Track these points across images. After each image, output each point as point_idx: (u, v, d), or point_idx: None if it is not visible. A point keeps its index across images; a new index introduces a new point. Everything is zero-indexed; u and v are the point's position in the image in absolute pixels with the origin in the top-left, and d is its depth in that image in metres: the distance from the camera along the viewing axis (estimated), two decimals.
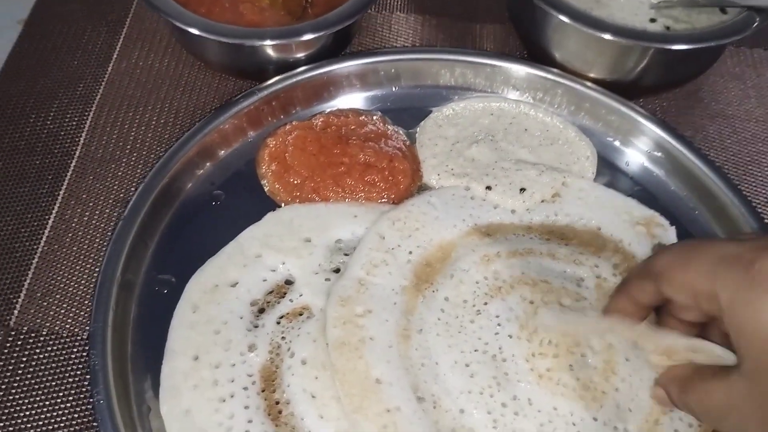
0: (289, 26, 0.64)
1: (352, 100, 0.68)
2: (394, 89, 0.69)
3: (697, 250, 0.43)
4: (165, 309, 0.55)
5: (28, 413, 0.51)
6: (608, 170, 0.65)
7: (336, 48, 0.69)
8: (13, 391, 0.52)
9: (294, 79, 0.66)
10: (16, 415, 0.51)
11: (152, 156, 0.64)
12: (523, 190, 0.62)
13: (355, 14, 0.65)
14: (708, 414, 0.44)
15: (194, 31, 0.63)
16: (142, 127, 0.66)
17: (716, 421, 0.45)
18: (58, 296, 0.56)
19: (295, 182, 0.61)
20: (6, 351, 0.54)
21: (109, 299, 0.52)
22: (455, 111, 0.68)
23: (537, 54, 0.72)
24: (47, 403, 0.52)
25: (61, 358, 0.54)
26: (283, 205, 0.61)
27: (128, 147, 0.64)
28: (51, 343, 0.54)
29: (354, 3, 0.65)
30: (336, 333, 0.53)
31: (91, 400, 0.49)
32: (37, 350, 0.54)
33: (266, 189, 0.62)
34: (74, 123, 0.66)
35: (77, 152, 0.64)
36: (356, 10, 0.65)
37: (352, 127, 0.64)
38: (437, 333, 0.54)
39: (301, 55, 0.66)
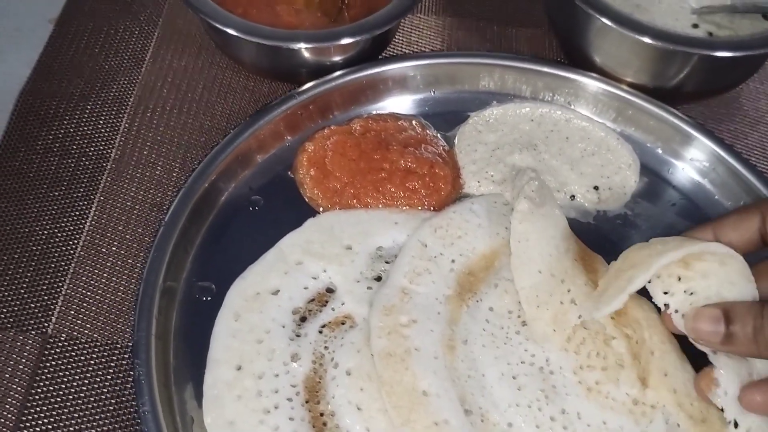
0: (327, 29, 0.63)
1: (390, 104, 0.67)
2: (431, 93, 0.68)
3: None
4: (206, 317, 0.54)
5: (67, 422, 0.51)
6: (649, 178, 0.64)
7: (374, 52, 0.68)
8: (52, 399, 0.52)
9: (332, 83, 0.65)
10: (55, 423, 0.50)
11: (188, 159, 0.63)
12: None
13: (395, 18, 0.64)
14: None
15: (232, 31, 0.62)
16: (177, 130, 0.65)
17: None
18: (95, 303, 0.55)
19: (335, 188, 0.60)
20: (45, 358, 0.53)
21: (152, 308, 0.51)
22: (495, 116, 0.67)
23: (576, 58, 0.71)
24: (86, 411, 0.51)
25: (100, 366, 0.53)
26: (321, 210, 0.60)
27: (164, 150, 0.63)
28: (89, 350, 0.54)
29: (394, 6, 0.64)
30: (381, 343, 0.52)
31: (136, 410, 0.49)
32: (75, 358, 0.53)
33: (305, 195, 0.60)
34: (109, 125, 0.65)
35: (112, 154, 0.63)
36: (396, 14, 0.64)
37: (392, 133, 0.63)
38: (483, 344, 0.53)
39: (338, 58, 0.65)
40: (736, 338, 0.46)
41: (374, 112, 0.66)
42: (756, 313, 0.46)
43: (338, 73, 0.65)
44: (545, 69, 0.68)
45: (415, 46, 0.73)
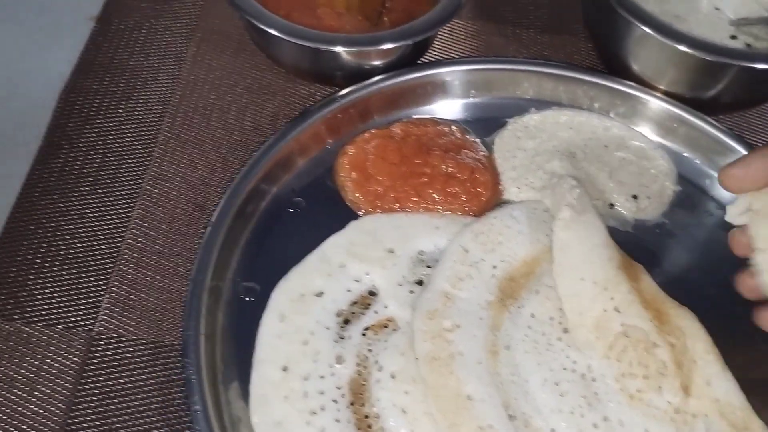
0: (369, 34, 0.64)
1: (429, 108, 0.68)
2: (470, 98, 0.69)
3: None
4: (250, 317, 0.54)
5: (114, 418, 0.51)
6: (688, 188, 0.64)
7: (413, 56, 0.68)
8: (99, 396, 0.52)
9: (373, 87, 0.65)
10: (102, 420, 0.51)
11: (230, 160, 0.63)
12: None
13: (437, 25, 0.64)
14: None
15: (276, 33, 0.62)
16: (219, 131, 0.65)
17: None
18: (140, 301, 0.56)
19: (377, 192, 0.60)
20: (91, 356, 0.53)
21: (200, 307, 0.52)
22: (534, 123, 0.67)
23: (614, 66, 0.71)
24: (133, 409, 0.52)
25: (146, 364, 0.53)
26: (362, 214, 0.60)
27: (206, 150, 0.64)
28: (135, 349, 0.54)
29: (436, 13, 0.65)
30: (426, 347, 0.52)
31: (184, 409, 0.50)
32: (121, 356, 0.54)
33: (346, 198, 0.61)
34: (150, 123, 0.65)
35: (155, 153, 0.63)
36: (438, 21, 0.64)
37: (432, 137, 0.64)
38: (525, 350, 0.54)
39: (378, 62, 0.66)
40: None
41: (414, 117, 0.66)
42: None
43: (379, 77, 0.65)
44: (584, 77, 0.68)
45: (451, 51, 0.73)
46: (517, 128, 0.66)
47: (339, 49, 0.62)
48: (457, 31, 0.75)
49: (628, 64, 0.69)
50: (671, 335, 0.54)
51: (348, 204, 0.61)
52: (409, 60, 0.67)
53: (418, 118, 0.66)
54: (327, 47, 0.62)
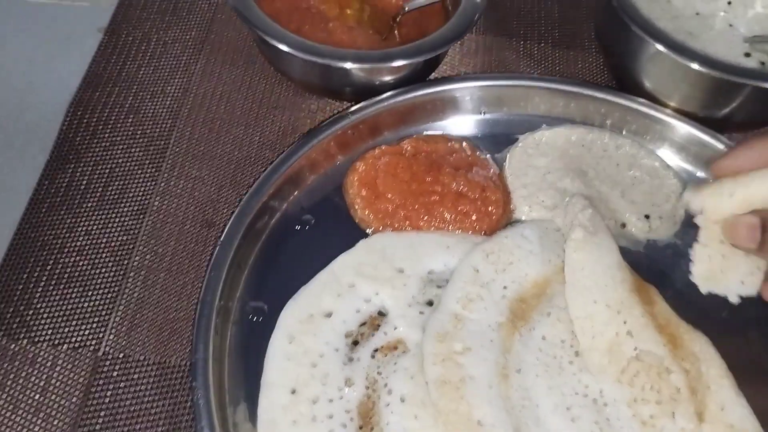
0: (381, 50, 0.63)
1: (440, 125, 0.67)
2: (481, 115, 0.68)
3: None
4: (258, 337, 0.54)
5: None
6: None
7: (424, 73, 0.68)
8: (105, 416, 0.52)
9: (384, 104, 0.64)
10: None
11: (239, 175, 0.63)
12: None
13: (449, 42, 0.64)
14: None
15: (286, 48, 0.61)
16: (228, 146, 0.65)
17: None
18: (147, 321, 0.55)
19: (387, 209, 0.59)
20: (98, 376, 0.53)
21: (209, 329, 0.51)
22: (545, 140, 0.66)
23: (626, 82, 0.71)
24: (139, 430, 0.51)
25: (153, 385, 0.53)
26: (371, 232, 0.59)
27: (214, 165, 0.63)
28: (142, 369, 0.54)
29: (448, 29, 0.64)
30: (436, 371, 0.51)
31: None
32: (128, 376, 0.53)
33: (355, 215, 0.60)
34: (159, 137, 0.65)
35: (163, 167, 0.63)
36: (451, 38, 0.64)
37: (443, 154, 0.63)
38: (536, 373, 0.53)
39: (389, 78, 0.65)
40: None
41: (424, 133, 0.66)
42: None
43: (389, 93, 0.65)
44: (596, 94, 0.68)
45: (462, 66, 0.73)
46: (528, 145, 0.66)
47: (350, 65, 0.61)
48: (468, 46, 0.74)
49: (640, 81, 0.68)
50: (686, 360, 0.53)
51: (357, 222, 0.60)
52: (420, 76, 0.67)
53: (428, 135, 0.65)
54: (338, 63, 0.61)
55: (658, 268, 0.61)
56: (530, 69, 0.74)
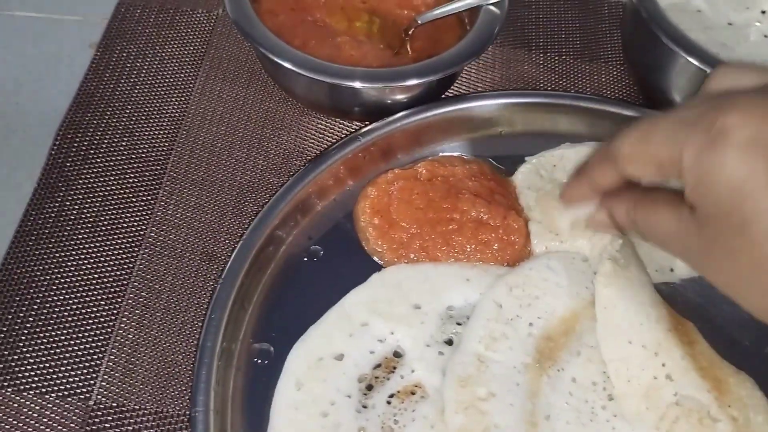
0: (392, 68, 0.59)
1: (456, 145, 0.63)
2: (500, 134, 0.63)
3: (654, 124, 0.43)
4: (263, 383, 0.50)
5: None
6: None
7: (439, 91, 0.63)
8: None
9: (396, 124, 0.60)
10: None
11: (242, 202, 0.59)
12: None
13: (466, 59, 0.59)
14: (653, 235, 0.46)
15: (290, 66, 0.57)
16: (229, 170, 0.60)
17: (661, 243, 0.46)
18: (142, 366, 0.51)
19: (402, 239, 0.55)
20: (88, 428, 0.49)
21: (209, 378, 0.47)
22: (562, 159, 0.62)
23: (653, 96, 0.67)
24: None
25: None
26: (384, 263, 0.55)
27: (215, 192, 0.59)
28: (136, 419, 0.49)
29: (465, 45, 0.60)
30: (458, 420, 0.48)
31: None
32: (121, 430, 0.49)
33: (366, 245, 0.56)
34: (155, 162, 0.61)
35: (159, 195, 0.58)
36: (467, 55, 0.59)
37: (460, 178, 0.59)
38: (567, 420, 0.49)
39: (401, 97, 0.61)
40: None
41: (440, 155, 0.61)
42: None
43: (402, 113, 0.61)
44: (622, 111, 0.64)
45: (479, 82, 0.68)
46: (541, 165, 0.61)
47: (359, 84, 0.57)
48: (485, 59, 0.69)
49: (670, 96, 0.64)
50: (732, 407, 0.49)
51: (369, 252, 0.55)
52: (434, 94, 0.62)
53: (444, 156, 0.61)
54: (346, 83, 0.57)
55: (693, 301, 0.56)
56: (551, 84, 0.69)
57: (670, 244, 0.45)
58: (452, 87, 0.67)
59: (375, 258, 0.56)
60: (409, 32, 0.63)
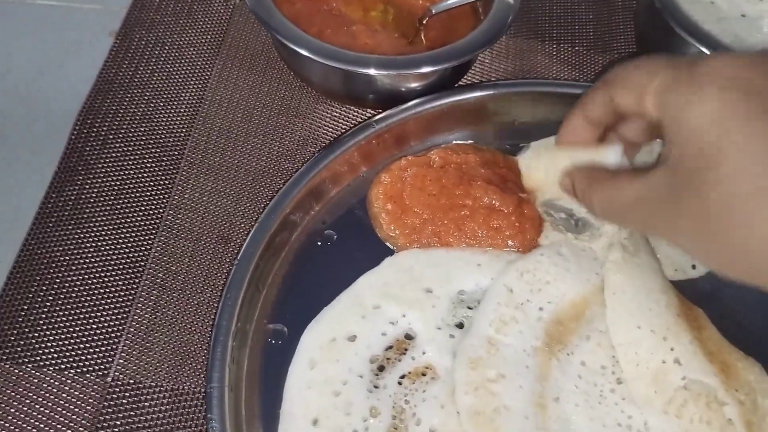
0: (407, 56, 0.59)
1: (469, 134, 0.63)
2: (514, 123, 0.64)
3: (648, 58, 0.44)
4: (277, 363, 0.51)
5: None
6: None
7: (453, 79, 0.64)
8: None
9: (410, 112, 0.61)
10: None
11: (257, 187, 0.60)
12: None
13: (481, 46, 0.60)
14: (610, 210, 0.46)
15: (306, 53, 0.58)
16: (245, 156, 0.61)
17: (617, 216, 0.47)
18: (158, 345, 0.52)
19: (414, 225, 0.56)
20: (106, 403, 0.50)
21: (225, 356, 0.48)
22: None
23: None
24: None
25: (165, 414, 0.50)
26: (396, 248, 0.56)
27: (231, 177, 0.60)
28: (153, 398, 0.50)
29: (480, 33, 0.60)
30: (468, 400, 0.48)
31: None
32: (139, 404, 0.50)
33: (379, 231, 0.57)
34: (172, 147, 0.62)
35: (177, 179, 0.59)
36: (482, 43, 0.60)
37: (473, 165, 0.59)
38: (576, 403, 0.49)
39: (415, 85, 0.61)
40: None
41: (453, 143, 0.62)
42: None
43: (416, 101, 0.61)
44: None
45: (492, 71, 0.69)
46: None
47: (373, 71, 0.57)
48: (498, 50, 0.70)
49: None
50: (739, 391, 0.49)
51: (381, 238, 0.56)
52: (448, 82, 0.63)
53: (457, 144, 0.62)
54: (361, 70, 0.57)
55: (703, 288, 0.56)
56: (564, 74, 0.69)
57: (631, 212, 0.44)
58: (466, 77, 0.67)
59: (388, 243, 0.57)
60: (424, 21, 0.64)
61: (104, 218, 0.57)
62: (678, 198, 0.40)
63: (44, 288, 0.53)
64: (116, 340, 0.52)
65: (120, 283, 0.54)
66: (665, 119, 0.41)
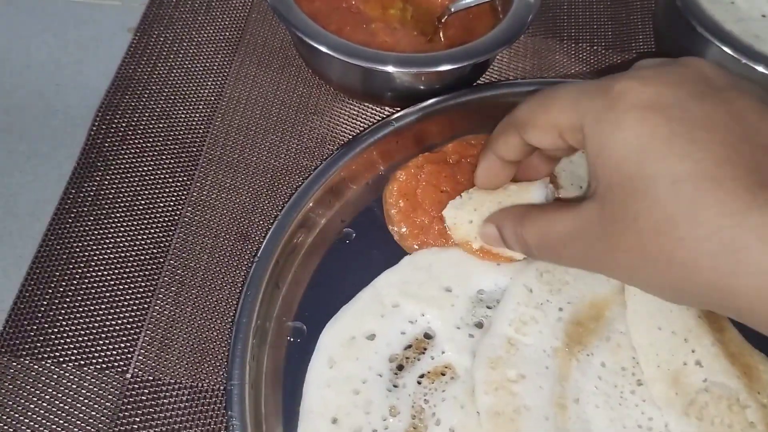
0: (427, 54, 0.59)
1: (488, 133, 0.62)
2: None
3: (555, 91, 0.42)
4: (296, 360, 0.51)
5: None
6: None
7: (472, 77, 0.64)
8: None
9: (429, 110, 0.61)
10: None
11: (276, 184, 0.59)
12: None
13: (500, 45, 0.59)
14: (545, 246, 0.45)
15: (325, 49, 0.57)
16: (263, 153, 0.61)
17: (552, 253, 0.45)
18: (178, 342, 0.52)
19: (423, 223, 0.55)
20: (126, 400, 0.50)
21: (245, 353, 0.48)
22: None
23: None
24: None
25: (184, 412, 0.50)
26: (403, 247, 0.56)
27: (249, 174, 0.60)
28: (172, 395, 0.50)
29: (499, 32, 0.60)
30: (488, 401, 0.48)
31: None
32: (158, 401, 0.50)
33: (391, 230, 0.56)
34: (191, 143, 0.62)
35: (195, 175, 0.59)
36: (502, 41, 0.59)
37: None
38: (596, 404, 0.49)
39: (434, 83, 0.61)
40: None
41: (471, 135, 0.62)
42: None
43: (435, 99, 0.61)
44: None
45: (510, 70, 0.69)
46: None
47: (392, 69, 0.57)
48: (517, 49, 0.70)
49: None
50: (762, 394, 0.49)
51: (394, 237, 0.56)
52: (467, 81, 0.63)
53: (475, 136, 0.61)
54: (380, 67, 0.57)
55: None
56: (582, 73, 0.69)
57: (566, 249, 0.43)
58: (484, 76, 0.67)
59: (398, 242, 0.56)
60: (443, 20, 0.64)
61: (123, 214, 0.57)
62: (611, 232, 0.39)
63: (64, 284, 0.53)
64: (135, 336, 0.51)
65: (139, 279, 0.54)
66: (589, 156, 0.40)
